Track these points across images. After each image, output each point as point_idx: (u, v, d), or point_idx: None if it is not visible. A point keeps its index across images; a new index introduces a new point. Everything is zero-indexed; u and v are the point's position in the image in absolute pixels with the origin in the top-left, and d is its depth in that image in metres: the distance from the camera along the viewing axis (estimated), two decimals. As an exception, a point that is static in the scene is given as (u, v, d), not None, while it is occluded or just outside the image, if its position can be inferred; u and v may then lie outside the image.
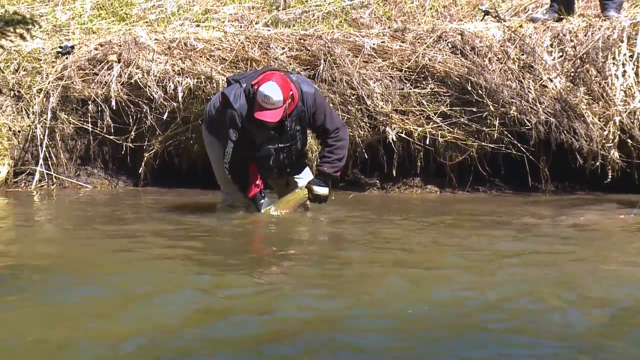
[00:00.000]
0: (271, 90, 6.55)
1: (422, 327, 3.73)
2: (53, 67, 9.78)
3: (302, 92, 6.84)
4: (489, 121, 8.90)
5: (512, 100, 8.79)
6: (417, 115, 9.03)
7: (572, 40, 9.06)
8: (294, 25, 10.30)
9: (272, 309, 4.01)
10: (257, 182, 7.05)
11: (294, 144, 7.02)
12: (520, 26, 9.40)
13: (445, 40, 9.22)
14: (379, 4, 11.03)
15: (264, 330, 3.64)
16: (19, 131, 9.62)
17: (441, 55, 9.10)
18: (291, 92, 6.68)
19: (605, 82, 8.77)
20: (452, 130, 8.98)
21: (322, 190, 7.10)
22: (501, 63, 9.02)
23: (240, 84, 6.83)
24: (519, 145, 8.84)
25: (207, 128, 7.27)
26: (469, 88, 8.91)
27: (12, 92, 9.76)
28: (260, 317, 3.85)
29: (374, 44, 9.26)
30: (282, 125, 6.83)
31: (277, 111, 6.60)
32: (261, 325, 3.72)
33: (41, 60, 9.87)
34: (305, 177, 7.35)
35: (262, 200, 7.08)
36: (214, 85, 9.08)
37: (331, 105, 8.60)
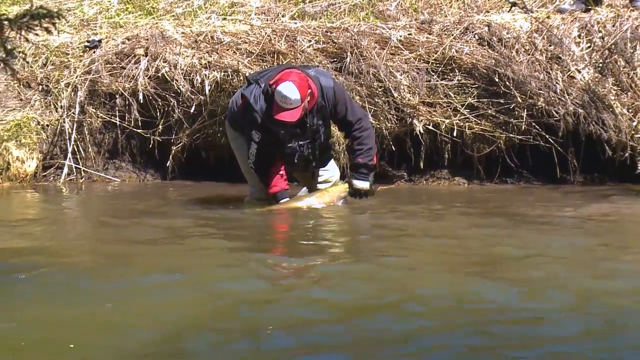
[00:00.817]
0: (288, 90, 6.60)
1: (473, 321, 3.78)
2: (81, 61, 9.83)
3: (322, 87, 6.87)
4: (516, 113, 8.89)
5: (540, 91, 8.80)
6: (444, 107, 9.05)
7: (600, 31, 9.09)
8: (320, 18, 10.33)
9: (308, 299, 4.06)
10: (282, 178, 7.10)
11: (317, 139, 7.06)
12: (548, 17, 9.41)
13: (472, 32, 9.26)
14: (405, -4, 11.05)
15: (299, 321, 3.71)
16: (47, 125, 9.66)
17: (468, 47, 9.13)
18: (309, 90, 6.72)
19: (634, 73, 8.78)
20: (479, 122, 8.99)
21: (363, 184, 7.13)
22: (529, 54, 9.02)
23: (259, 85, 6.88)
24: (547, 136, 8.85)
25: (230, 124, 7.35)
26: (497, 80, 8.92)
27: (41, 87, 9.81)
28: (292, 307, 3.91)
29: (400, 36, 9.30)
30: (303, 122, 6.88)
31: (296, 110, 6.65)
32: (295, 315, 3.79)
33: (69, 54, 9.93)
34: (330, 169, 7.44)
35: (285, 198, 7.11)
36: (241, 78, 9.03)
37: (358, 97, 8.93)
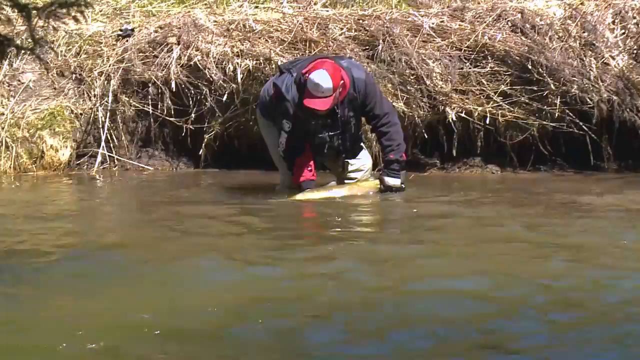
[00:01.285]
0: (321, 78, 6.64)
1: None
2: (114, 49, 9.86)
3: (354, 78, 6.90)
4: (550, 100, 8.87)
5: (574, 78, 8.77)
6: (476, 94, 9.03)
7: (634, 17, 9.09)
8: (352, 6, 10.21)
9: (339, 289, 4.10)
10: (309, 168, 7.14)
11: (348, 130, 7.10)
12: (582, 3, 9.35)
13: (505, 19, 9.22)
14: (437, -17, 10.98)
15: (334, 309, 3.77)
16: (80, 114, 9.71)
17: (501, 34, 9.11)
18: (342, 81, 6.75)
19: (668, 59, 8.72)
20: (512, 109, 8.96)
21: (394, 181, 7.16)
22: (562, 41, 9.03)
23: (290, 74, 6.91)
24: (581, 123, 8.81)
25: (262, 112, 7.40)
26: (530, 67, 8.88)
27: (74, 75, 9.86)
28: (324, 297, 3.96)
29: (433, 24, 9.29)
30: (334, 113, 6.91)
31: (328, 100, 6.71)
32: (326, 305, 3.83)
33: (102, 43, 9.95)
34: (362, 157, 7.47)
35: (310, 189, 7.15)
36: (273, 66, 9.02)
37: (390, 85, 8.98)
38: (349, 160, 7.38)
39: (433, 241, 5.30)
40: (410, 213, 6.57)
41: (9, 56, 8.79)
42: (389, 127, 7.08)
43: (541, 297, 3.96)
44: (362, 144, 7.59)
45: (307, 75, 6.72)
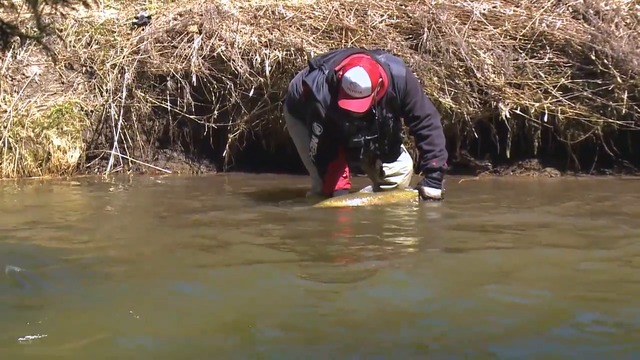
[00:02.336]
0: (358, 76, 6.35)
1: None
2: (128, 40, 9.84)
3: (392, 76, 6.66)
4: (616, 95, 8.69)
5: (643, 70, 8.55)
6: (533, 89, 8.87)
7: None
8: None
9: (371, 304, 3.96)
10: (342, 176, 6.92)
11: (386, 133, 6.85)
12: (652, -14, 9.14)
13: (566, 4, 9.10)
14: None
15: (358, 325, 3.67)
16: (91, 111, 9.65)
17: (561, 21, 8.96)
18: (380, 79, 6.50)
19: None
20: (573, 105, 8.77)
21: (435, 192, 6.92)
22: (630, 29, 8.89)
23: (322, 71, 6.68)
24: (652, 121, 8.62)
25: (289, 109, 7.18)
26: (593, 57, 8.72)
27: (84, 68, 9.80)
28: (357, 314, 3.82)
29: (484, 9, 9.15)
30: (371, 115, 6.65)
31: (365, 100, 6.43)
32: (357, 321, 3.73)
33: (115, 32, 9.95)
34: (402, 159, 7.18)
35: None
36: (305, 58, 8.94)
37: (436, 78, 8.89)
38: (387, 165, 7.14)
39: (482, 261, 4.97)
40: (452, 223, 6.23)
41: (12, 47, 8.64)
42: (431, 130, 6.83)
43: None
44: (401, 146, 7.33)
45: (341, 73, 6.45)
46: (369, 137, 6.73)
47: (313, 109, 6.64)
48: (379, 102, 6.58)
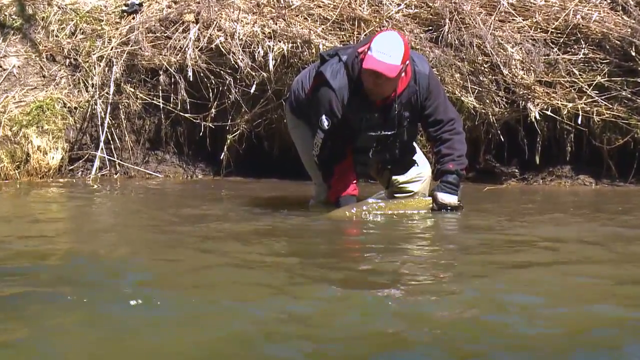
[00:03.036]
0: (392, 40, 6.13)
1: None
2: (117, 29, 9.66)
3: (415, 72, 6.45)
4: None
5: (689, 68, 8.61)
6: (566, 87, 8.75)
7: None
8: None
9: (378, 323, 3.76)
10: (350, 180, 6.66)
11: (399, 134, 6.57)
12: (700, -26, 9.15)
13: None
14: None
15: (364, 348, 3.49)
16: (75, 108, 9.45)
17: (598, 13, 8.88)
18: (407, 62, 6.24)
19: None
20: (610, 106, 8.66)
21: (450, 199, 6.62)
22: None
23: (339, 57, 6.45)
24: (698, 124, 8.62)
25: (292, 110, 6.95)
26: (633, 53, 8.64)
27: (68, 60, 9.58)
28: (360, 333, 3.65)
29: None
30: (389, 108, 6.40)
31: (395, 67, 6.11)
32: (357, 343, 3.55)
33: (102, 21, 9.77)
34: (420, 163, 6.91)
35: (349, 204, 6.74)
36: (313, 51, 8.84)
37: (458, 75, 8.76)
38: (395, 177, 6.90)
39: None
40: (475, 237, 5.97)
41: None
42: (453, 134, 6.59)
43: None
44: (416, 147, 7.04)
45: (365, 50, 6.17)
46: (382, 134, 6.50)
47: (325, 97, 6.38)
48: (399, 95, 6.33)
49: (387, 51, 6.11)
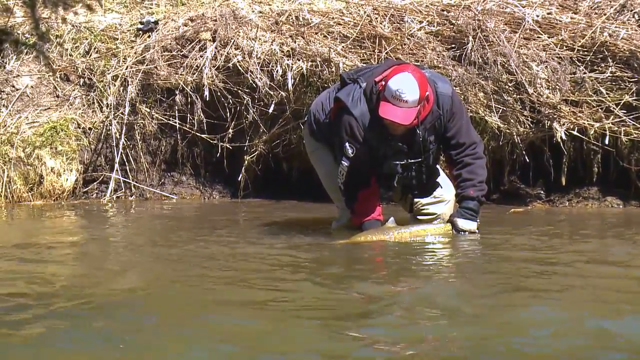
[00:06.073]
0: (406, 83, 6.29)
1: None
2: (132, 48, 9.84)
3: (438, 94, 6.63)
4: None
5: None
6: (593, 107, 8.80)
7: None
8: None
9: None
10: (374, 205, 6.91)
11: (425, 160, 6.80)
12: None
13: (631, 11, 9.08)
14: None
15: None
16: (90, 129, 9.66)
17: (625, 30, 8.89)
18: (427, 93, 6.46)
19: None
20: (639, 126, 8.68)
21: (470, 225, 6.87)
22: None
23: (358, 84, 6.63)
24: None
25: (311, 133, 7.14)
26: None
27: (82, 80, 9.80)
28: None
29: (537, 16, 9.13)
30: (413, 135, 6.60)
31: (411, 111, 6.35)
32: None
33: (117, 39, 9.96)
34: (444, 186, 7.11)
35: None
36: (333, 70, 8.93)
37: (482, 94, 8.86)
38: (419, 200, 7.11)
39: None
40: (500, 260, 6.22)
41: (1, 55, 8.66)
42: (474, 158, 6.84)
43: None
44: (439, 170, 7.25)
45: (383, 82, 6.43)
46: (407, 162, 6.70)
47: (347, 125, 6.58)
48: (422, 121, 6.54)
49: (401, 96, 6.28)
